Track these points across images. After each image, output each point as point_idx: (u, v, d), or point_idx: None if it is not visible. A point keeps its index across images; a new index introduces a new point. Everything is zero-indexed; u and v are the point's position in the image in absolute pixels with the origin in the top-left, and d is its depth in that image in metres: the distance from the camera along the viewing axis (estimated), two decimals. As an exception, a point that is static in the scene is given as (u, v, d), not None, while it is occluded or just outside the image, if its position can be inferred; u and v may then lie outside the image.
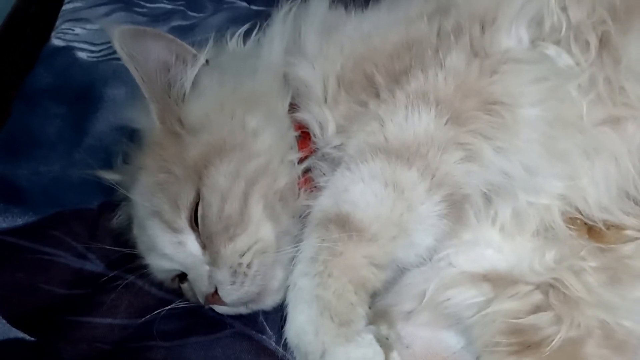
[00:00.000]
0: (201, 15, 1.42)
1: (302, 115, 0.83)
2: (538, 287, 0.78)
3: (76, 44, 1.32)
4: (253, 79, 0.85)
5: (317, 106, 0.82)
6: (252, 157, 0.80)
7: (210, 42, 0.88)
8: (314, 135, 0.83)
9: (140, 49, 0.82)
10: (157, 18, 1.39)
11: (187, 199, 0.79)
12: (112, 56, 1.28)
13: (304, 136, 0.84)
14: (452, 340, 0.82)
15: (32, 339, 0.85)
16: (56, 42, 1.33)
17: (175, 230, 0.80)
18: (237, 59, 0.89)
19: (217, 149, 0.79)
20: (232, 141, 0.80)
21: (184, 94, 0.84)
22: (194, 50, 0.86)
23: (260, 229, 0.78)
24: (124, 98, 1.19)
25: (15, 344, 0.85)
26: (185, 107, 0.84)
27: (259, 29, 0.93)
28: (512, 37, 0.77)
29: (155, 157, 0.83)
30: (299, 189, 0.82)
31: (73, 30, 1.35)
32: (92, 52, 1.31)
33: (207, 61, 0.87)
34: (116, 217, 0.95)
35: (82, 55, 1.30)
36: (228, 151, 0.79)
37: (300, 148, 0.84)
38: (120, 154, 0.95)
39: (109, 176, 0.92)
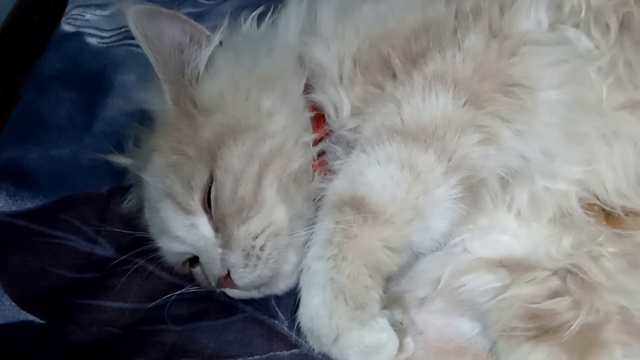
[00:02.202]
0: (211, 2, 1.40)
1: (316, 97, 0.82)
2: (555, 272, 0.77)
3: (86, 30, 1.31)
4: (269, 59, 0.84)
5: (332, 88, 0.80)
6: (266, 137, 0.78)
7: (225, 23, 0.86)
8: (329, 116, 0.81)
9: (154, 29, 0.81)
10: (167, 6, 1.37)
11: (200, 181, 0.77)
12: (122, 42, 1.28)
13: (318, 118, 0.83)
14: (466, 326, 0.81)
15: (42, 321, 0.85)
16: (66, 27, 1.32)
17: (188, 212, 0.78)
18: (251, 40, 0.87)
19: (231, 129, 0.78)
20: (247, 122, 0.79)
21: (198, 75, 0.83)
22: (207, 32, 0.84)
23: (274, 212, 0.77)
24: (134, 83, 1.18)
25: (24, 327, 0.84)
26: (199, 88, 0.82)
27: (273, 12, 0.91)
28: (531, 20, 0.76)
29: (169, 138, 0.81)
30: (313, 172, 0.81)
31: (83, 16, 1.34)
32: (102, 37, 1.30)
33: (220, 43, 0.85)
34: (126, 201, 0.95)
35: (92, 40, 1.29)
36: (242, 132, 0.78)
37: (315, 130, 0.82)
38: (132, 137, 0.94)
39: (121, 160, 0.91)
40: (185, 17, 0.84)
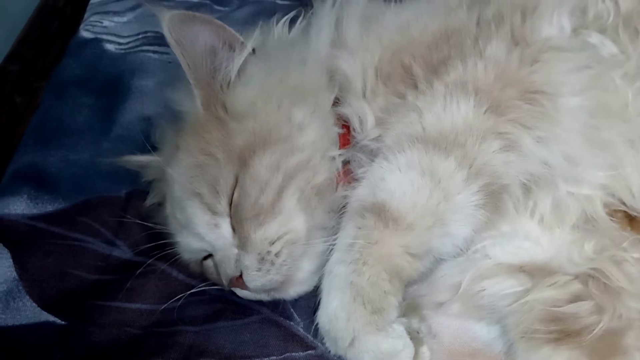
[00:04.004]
0: (226, 9, 1.40)
1: (343, 110, 0.82)
2: (576, 277, 0.76)
3: (104, 36, 1.31)
4: (302, 71, 0.83)
5: (356, 100, 0.80)
6: (295, 151, 0.78)
7: (257, 31, 0.86)
8: (354, 129, 0.81)
9: (188, 34, 0.80)
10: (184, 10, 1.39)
11: (226, 185, 0.78)
12: (140, 48, 1.28)
13: (345, 128, 0.83)
14: (482, 331, 0.80)
15: (63, 322, 0.85)
16: (84, 34, 1.32)
17: (214, 213, 0.78)
18: (283, 46, 0.87)
19: (262, 139, 0.78)
20: (278, 133, 0.78)
21: (229, 81, 0.83)
22: (241, 38, 0.83)
23: (292, 220, 0.77)
24: (151, 89, 1.19)
25: (45, 327, 0.85)
26: (231, 94, 0.82)
27: (303, 17, 0.91)
28: (554, 26, 0.75)
29: (197, 138, 0.81)
30: (338, 183, 0.80)
31: (101, 22, 1.34)
32: (120, 44, 1.30)
33: (253, 50, 0.84)
34: (150, 195, 0.95)
35: (110, 47, 1.29)
36: (272, 143, 0.78)
37: (342, 142, 0.82)
38: (158, 129, 0.95)
39: (145, 158, 0.92)
40: (219, 22, 0.83)
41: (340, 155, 0.81)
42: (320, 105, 0.82)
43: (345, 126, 0.83)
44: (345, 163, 0.82)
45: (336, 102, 0.83)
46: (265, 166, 0.77)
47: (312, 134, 0.80)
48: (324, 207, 0.79)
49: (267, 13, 1.11)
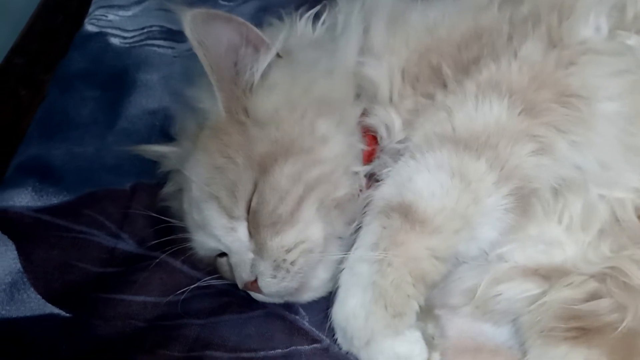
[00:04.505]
0: (232, 4, 1.38)
1: (369, 121, 0.80)
2: (592, 276, 0.74)
3: (109, 30, 1.30)
4: (329, 81, 0.80)
5: (383, 109, 0.78)
6: (316, 163, 0.76)
7: (284, 33, 0.83)
8: (381, 137, 0.79)
9: (210, 34, 0.76)
10: (188, 6, 1.39)
11: (245, 190, 0.76)
12: (144, 42, 1.28)
13: (370, 138, 0.81)
14: (490, 328, 0.79)
15: (68, 314, 0.84)
16: (89, 28, 1.31)
17: (232, 217, 0.77)
18: (308, 48, 0.84)
19: (284, 148, 0.76)
20: (300, 144, 0.76)
21: (252, 84, 0.80)
22: (266, 39, 0.79)
23: (310, 228, 0.76)
24: (156, 83, 1.19)
25: (50, 319, 0.84)
26: (253, 99, 0.79)
27: (328, 13, 0.88)
28: (590, 26, 0.73)
29: (217, 140, 0.79)
30: (360, 193, 0.78)
31: (106, 16, 1.33)
32: (125, 38, 1.29)
33: (278, 54, 0.81)
34: (167, 185, 0.93)
35: (114, 41, 1.28)
36: (294, 153, 0.76)
37: (366, 156, 0.80)
38: (178, 123, 0.93)
39: (165, 149, 0.91)
40: (242, 20, 0.79)
41: (363, 170, 0.80)
42: (345, 118, 0.80)
43: (371, 137, 0.81)
44: (369, 175, 0.80)
45: (362, 113, 0.81)
46: (286, 176, 0.75)
47: (335, 147, 0.77)
48: (344, 218, 0.78)
49: (273, 8, 1.10)
